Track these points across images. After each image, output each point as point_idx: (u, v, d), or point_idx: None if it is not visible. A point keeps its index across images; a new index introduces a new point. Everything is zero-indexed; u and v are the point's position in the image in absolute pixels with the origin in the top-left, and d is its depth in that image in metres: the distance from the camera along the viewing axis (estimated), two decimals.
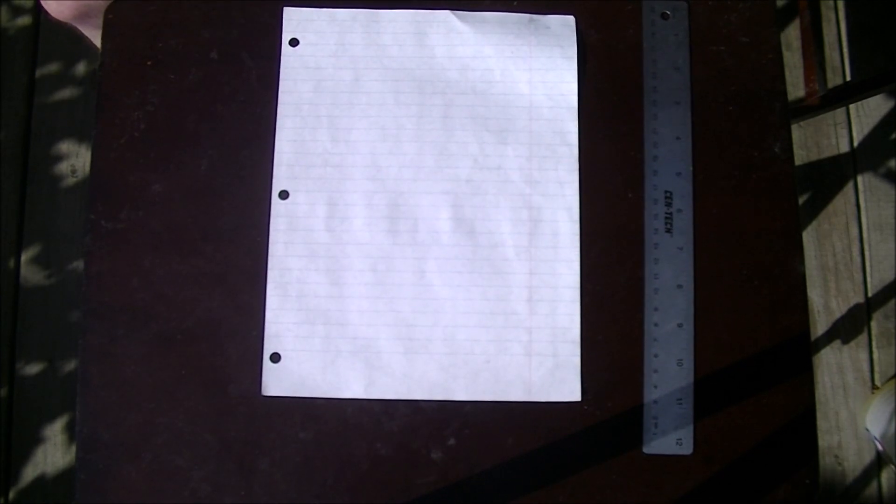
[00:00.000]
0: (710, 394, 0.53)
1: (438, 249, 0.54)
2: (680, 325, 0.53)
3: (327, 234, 0.54)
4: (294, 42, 0.57)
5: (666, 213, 0.54)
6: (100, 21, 0.80)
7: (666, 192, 0.55)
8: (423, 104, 0.56)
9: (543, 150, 0.55)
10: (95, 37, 0.85)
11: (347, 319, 0.53)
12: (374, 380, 0.53)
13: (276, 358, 0.53)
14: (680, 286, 0.54)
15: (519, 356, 0.53)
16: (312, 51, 0.57)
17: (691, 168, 0.55)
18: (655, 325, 0.53)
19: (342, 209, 0.55)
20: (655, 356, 0.53)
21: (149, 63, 0.57)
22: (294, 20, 0.57)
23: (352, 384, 0.53)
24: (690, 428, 0.52)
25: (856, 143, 1.26)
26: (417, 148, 0.55)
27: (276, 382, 0.53)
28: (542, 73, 0.56)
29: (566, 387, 0.53)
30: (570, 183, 0.55)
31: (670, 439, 0.52)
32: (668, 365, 0.53)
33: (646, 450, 0.52)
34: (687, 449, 0.52)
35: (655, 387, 0.53)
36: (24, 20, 1.30)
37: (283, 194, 0.55)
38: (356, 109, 0.56)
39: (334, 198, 0.55)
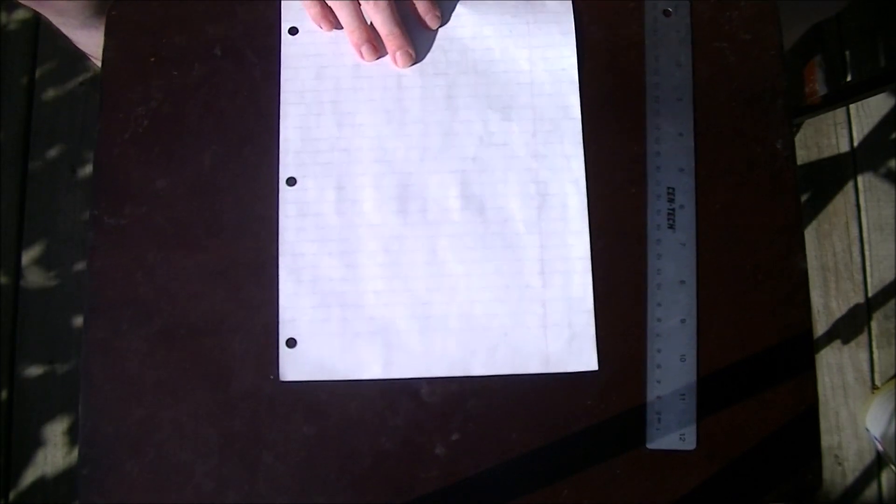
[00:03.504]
0: (713, 390, 0.53)
1: (449, 227, 0.55)
2: (683, 321, 0.53)
3: (338, 217, 0.55)
4: (293, 31, 0.58)
5: (668, 208, 0.55)
6: (60, 6, 0.79)
7: (668, 188, 0.55)
8: (426, 86, 0.57)
9: (547, 125, 0.56)
10: (57, 22, 0.85)
11: (363, 301, 0.54)
12: (392, 359, 0.53)
13: (291, 343, 0.53)
14: (682, 282, 0.54)
15: (535, 329, 0.53)
16: (312, 38, 0.57)
17: (693, 164, 0.55)
18: (658, 320, 0.53)
19: (351, 192, 0.55)
20: (658, 352, 0.53)
21: (152, 59, 0.57)
22: (292, 9, 0.58)
23: (370, 365, 0.53)
24: (693, 424, 0.52)
25: (856, 143, 1.26)
26: (423, 129, 0.56)
27: (294, 367, 0.53)
28: (541, 49, 0.57)
29: (583, 356, 0.53)
30: (575, 156, 0.55)
31: (673, 435, 0.52)
32: (671, 361, 0.53)
33: (649, 445, 0.52)
34: (690, 445, 0.52)
35: (658, 382, 0.53)
36: (23, 20, 1.30)
37: (291, 181, 0.55)
38: (359, 94, 0.57)
39: (343, 182, 0.55)
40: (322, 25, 0.57)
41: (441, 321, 0.53)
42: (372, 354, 0.53)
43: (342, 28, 0.57)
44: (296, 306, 0.53)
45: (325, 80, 0.57)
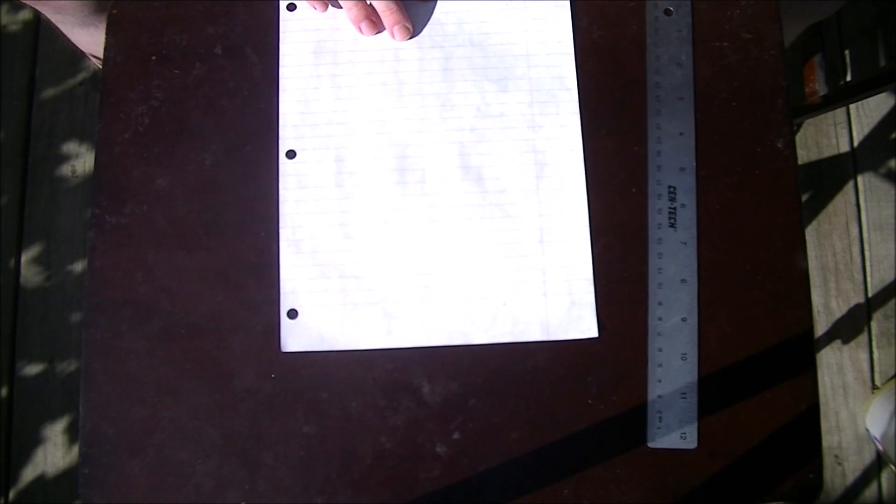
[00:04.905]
0: (714, 388, 0.53)
1: (448, 198, 0.55)
2: (684, 320, 0.53)
3: (337, 189, 0.55)
4: (291, 7, 0.58)
5: (669, 207, 0.55)
6: (59, 4, 0.79)
7: (669, 187, 0.55)
8: (423, 58, 0.57)
9: (544, 96, 0.57)
10: (56, 21, 0.85)
11: (362, 272, 0.54)
12: (392, 329, 0.53)
13: (293, 314, 0.53)
14: (684, 281, 0.54)
15: (534, 297, 0.54)
16: (310, 14, 0.58)
17: (694, 163, 0.55)
18: (659, 319, 0.53)
19: (350, 164, 0.56)
20: (660, 351, 0.53)
21: (153, 58, 0.57)
22: None
23: (371, 335, 0.53)
24: (695, 423, 0.52)
25: (856, 143, 1.26)
26: (420, 101, 0.57)
27: (295, 338, 0.53)
28: (536, 21, 0.58)
29: (583, 324, 0.53)
30: (571, 125, 0.56)
31: (675, 434, 0.52)
32: (673, 359, 0.53)
33: (650, 444, 0.52)
34: (691, 443, 0.52)
35: (660, 381, 0.53)
36: (24, 20, 1.30)
37: (291, 154, 0.56)
38: (357, 67, 0.57)
39: (342, 154, 0.56)
40: (316, 6, 0.57)
41: (440, 291, 0.54)
42: (372, 325, 0.53)
43: (337, 7, 0.57)
44: (296, 277, 0.54)
45: (323, 55, 0.57)
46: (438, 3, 0.58)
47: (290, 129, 0.56)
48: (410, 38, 0.57)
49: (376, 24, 0.57)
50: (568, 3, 0.58)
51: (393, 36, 0.57)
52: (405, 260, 0.54)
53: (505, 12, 0.58)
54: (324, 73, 0.57)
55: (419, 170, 0.56)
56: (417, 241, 0.54)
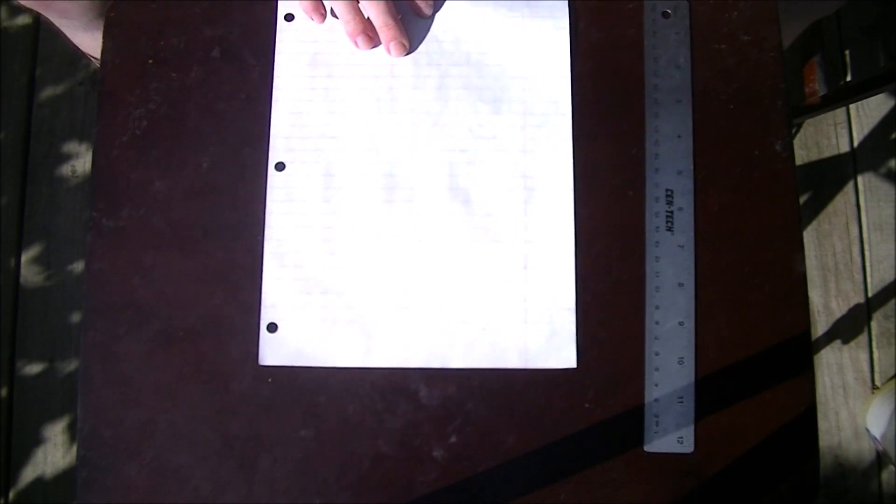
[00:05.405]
0: (711, 392, 0.53)
1: (434, 218, 0.55)
2: (681, 324, 0.53)
3: (324, 204, 0.55)
4: (289, 17, 0.58)
5: (667, 210, 0.55)
6: (63, 7, 0.79)
7: (667, 190, 0.55)
8: (418, 76, 0.57)
9: (537, 120, 0.56)
10: (61, 24, 0.85)
11: (344, 288, 0.54)
12: (370, 348, 0.53)
13: (272, 328, 0.53)
14: (681, 284, 0.54)
15: (515, 324, 0.53)
16: (307, 25, 0.58)
17: (692, 166, 0.55)
18: (656, 323, 0.53)
19: (338, 180, 0.55)
20: (656, 354, 0.53)
21: (150, 61, 0.57)
22: None
23: (349, 353, 0.53)
24: (691, 426, 0.52)
25: (856, 143, 1.26)
26: (412, 119, 0.56)
27: (273, 352, 0.53)
28: (534, 44, 0.57)
29: (562, 353, 0.53)
30: (564, 151, 0.55)
31: (671, 437, 0.52)
32: (670, 363, 0.53)
33: (647, 448, 0.52)
34: (688, 447, 0.52)
35: (656, 385, 0.53)
36: (23, 20, 1.30)
37: (280, 166, 0.55)
38: (352, 81, 0.57)
39: (331, 168, 0.55)
40: (314, 18, 0.57)
41: (421, 312, 0.53)
42: (350, 343, 0.53)
43: (336, 18, 0.57)
44: (278, 291, 0.54)
45: (318, 67, 0.57)
46: (437, 20, 0.58)
47: (281, 141, 0.56)
48: (407, 54, 0.57)
49: (373, 38, 0.57)
50: (567, 27, 0.57)
51: (389, 52, 0.57)
52: (387, 279, 0.54)
53: (503, 33, 0.57)
54: (318, 85, 0.57)
55: (407, 188, 0.55)
56: (401, 261, 0.54)
